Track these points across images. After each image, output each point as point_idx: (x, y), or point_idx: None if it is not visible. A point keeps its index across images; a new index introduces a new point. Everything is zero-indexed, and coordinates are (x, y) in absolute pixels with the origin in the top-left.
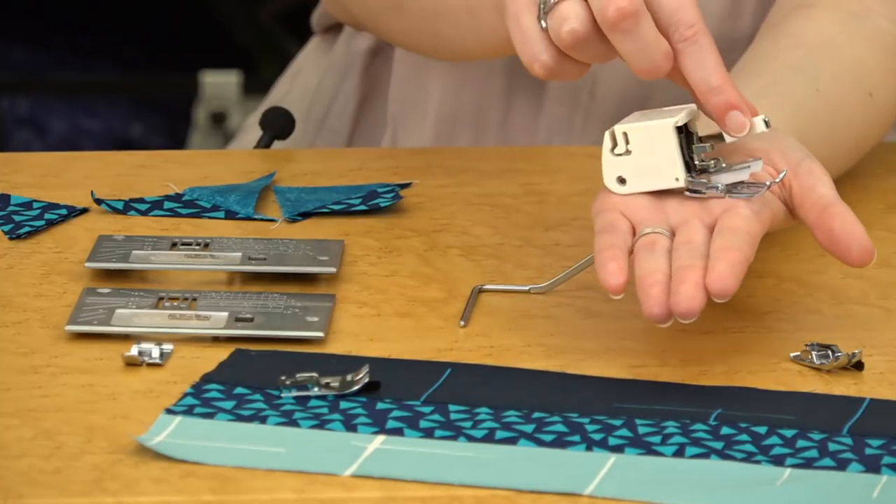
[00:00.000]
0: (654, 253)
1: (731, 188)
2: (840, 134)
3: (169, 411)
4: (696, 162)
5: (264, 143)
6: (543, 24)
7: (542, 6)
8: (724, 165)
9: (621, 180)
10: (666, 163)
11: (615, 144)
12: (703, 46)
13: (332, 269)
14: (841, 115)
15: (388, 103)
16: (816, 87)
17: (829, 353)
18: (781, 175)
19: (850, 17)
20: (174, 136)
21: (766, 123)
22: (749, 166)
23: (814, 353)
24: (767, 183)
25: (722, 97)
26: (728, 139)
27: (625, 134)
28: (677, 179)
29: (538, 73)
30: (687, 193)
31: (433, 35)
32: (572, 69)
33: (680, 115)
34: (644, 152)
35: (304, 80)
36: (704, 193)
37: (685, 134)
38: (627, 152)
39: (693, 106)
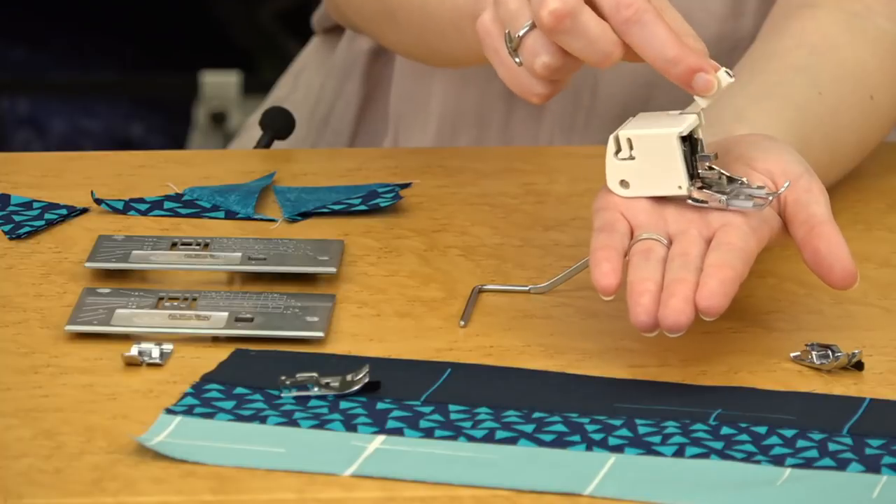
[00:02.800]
0: (648, 260)
1: (734, 199)
2: (841, 137)
3: (169, 411)
4: (700, 171)
5: (264, 143)
6: (518, 61)
7: (508, 44)
8: (727, 175)
9: (624, 184)
10: (670, 171)
11: (619, 149)
12: (647, 22)
13: (332, 269)
14: (842, 118)
15: (390, 104)
16: (819, 89)
17: (829, 353)
18: (784, 187)
19: (852, 17)
20: (174, 136)
21: (729, 74)
22: (753, 199)
23: (814, 353)
24: (770, 196)
25: (682, 66)
26: (700, 102)
27: (629, 140)
28: (680, 188)
29: (538, 103)
30: (690, 202)
31: (425, 46)
32: (568, 80)
33: (684, 124)
34: (648, 159)
35: (307, 81)
36: (707, 203)
37: (689, 142)
38: (631, 157)
39: (696, 116)
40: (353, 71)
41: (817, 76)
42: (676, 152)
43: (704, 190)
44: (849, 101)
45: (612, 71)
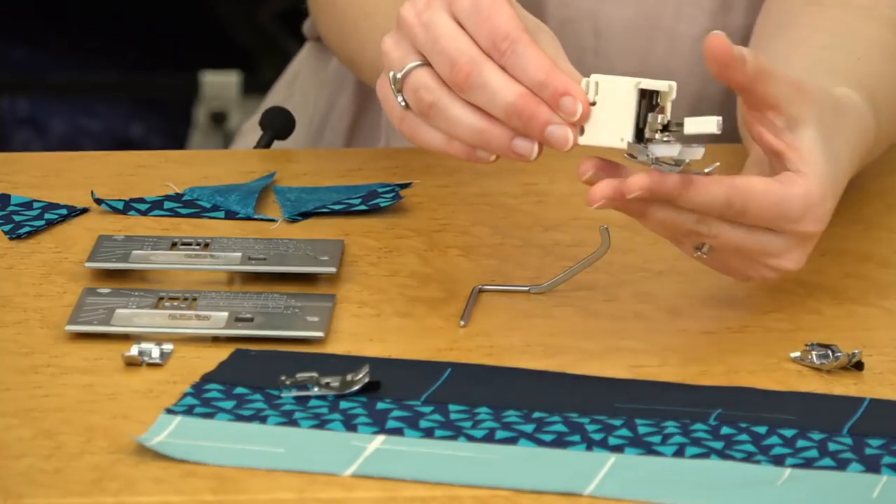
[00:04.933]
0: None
1: (660, 163)
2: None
3: (169, 411)
4: (647, 132)
5: (264, 143)
6: (402, 102)
7: (393, 86)
8: (667, 140)
9: (581, 130)
10: (620, 122)
11: (587, 92)
12: (519, 51)
13: (332, 269)
14: (888, 81)
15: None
16: (857, 56)
17: (829, 353)
18: (711, 168)
19: (859, 10)
20: (174, 136)
21: (718, 125)
22: (692, 148)
23: (814, 353)
24: (686, 160)
25: (549, 89)
26: (686, 128)
27: (597, 84)
28: (622, 140)
29: (464, 157)
30: (625, 156)
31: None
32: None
33: (653, 81)
34: (605, 106)
35: (302, 87)
36: (636, 159)
37: (651, 103)
38: (593, 103)
39: (673, 83)
40: (345, 83)
41: (851, 49)
42: (631, 102)
43: (640, 146)
44: (885, 67)
45: (605, 59)
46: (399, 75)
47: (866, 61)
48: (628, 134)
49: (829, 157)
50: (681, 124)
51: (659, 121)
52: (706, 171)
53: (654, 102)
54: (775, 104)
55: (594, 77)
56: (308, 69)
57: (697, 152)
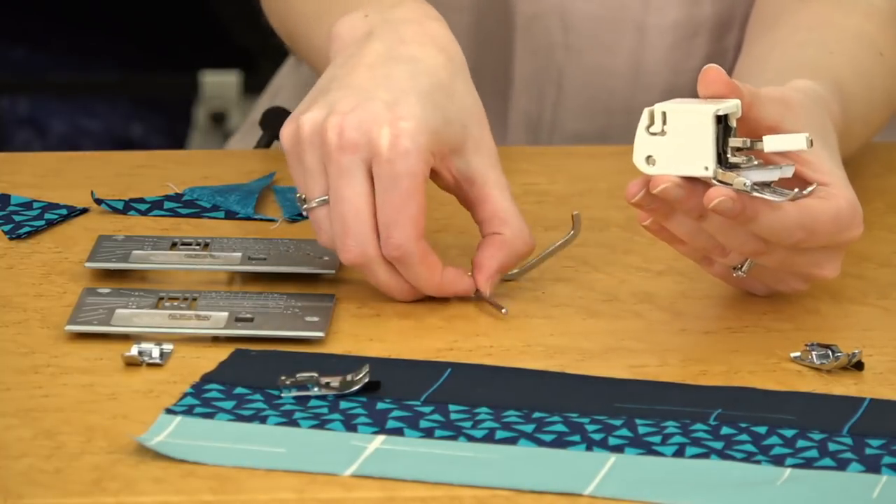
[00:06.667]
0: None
1: (758, 187)
2: (862, 92)
3: (169, 411)
4: (729, 155)
5: (264, 143)
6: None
7: (301, 205)
8: (755, 163)
9: (651, 160)
10: (699, 150)
11: (652, 122)
12: (411, 263)
13: (332, 270)
14: (860, 72)
15: None
16: (829, 49)
17: (829, 353)
18: (810, 189)
19: (842, 2)
20: (174, 136)
21: (808, 141)
22: (781, 169)
23: (814, 353)
24: (795, 190)
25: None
26: (766, 146)
27: (663, 114)
28: (707, 168)
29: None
30: (714, 183)
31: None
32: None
33: (722, 105)
34: (679, 136)
35: (284, 101)
36: (731, 186)
37: (723, 126)
38: (662, 132)
39: (737, 101)
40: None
41: (823, 43)
42: (709, 130)
43: (731, 174)
44: (861, 57)
45: (577, 65)
46: (305, 207)
47: (838, 53)
48: (710, 161)
49: (834, 157)
50: (758, 142)
51: (740, 144)
52: (805, 192)
53: (727, 125)
54: (772, 125)
55: (659, 107)
56: (290, 83)
57: (788, 171)
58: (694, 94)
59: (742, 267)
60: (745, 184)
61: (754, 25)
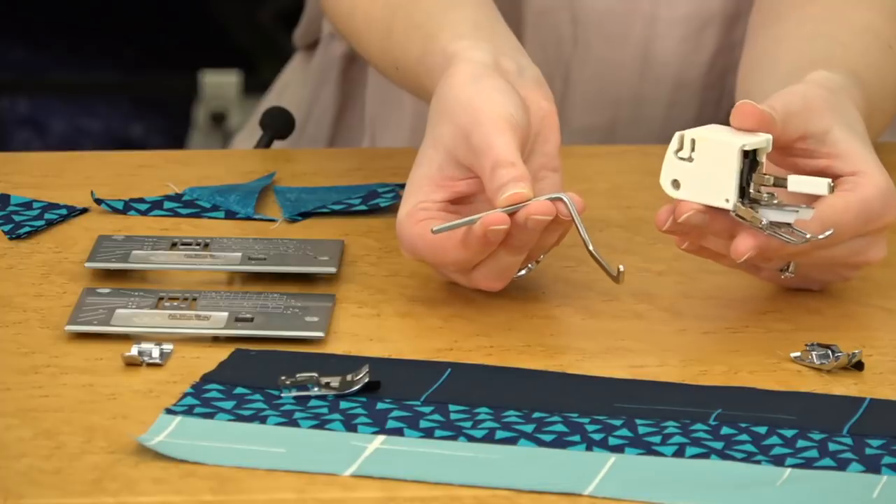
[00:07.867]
0: None
1: (774, 227)
2: (877, 83)
3: (169, 411)
4: (752, 190)
5: (264, 143)
6: None
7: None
8: (775, 202)
9: (676, 184)
10: (722, 182)
11: (681, 147)
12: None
13: (332, 270)
14: (872, 65)
15: (366, 106)
16: (840, 41)
17: (829, 353)
18: (826, 234)
19: None
20: (174, 136)
21: (829, 187)
22: (798, 211)
23: (814, 353)
24: (808, 236)
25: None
26: (791, 186)
27: (693, 140)
28: (727, 201)
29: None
30: (732, 215)
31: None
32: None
33: (751, 140)
34: (705, 164)
35: (290, 98)
36: (748, 222)
37: (751, 160)
38: (690, 159)
39: (769, 137)
40: (328, 76)
41: (833, 35)
42: (734, 163)
43: (750, 209)
44: (871, 50)
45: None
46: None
47: (849, 46)
48: (732, 194)
49: (864, 142)
50: (783, 180)
51: (764, 181)
52: (822, 236)
53: (755, 159)
54: (802, 134)
55: (689, 133)
56: (297, 80)
57: (806, 213)
58: (704, 89)
59: (789, 268)
60: (761, 222)
61: (757, 17)
